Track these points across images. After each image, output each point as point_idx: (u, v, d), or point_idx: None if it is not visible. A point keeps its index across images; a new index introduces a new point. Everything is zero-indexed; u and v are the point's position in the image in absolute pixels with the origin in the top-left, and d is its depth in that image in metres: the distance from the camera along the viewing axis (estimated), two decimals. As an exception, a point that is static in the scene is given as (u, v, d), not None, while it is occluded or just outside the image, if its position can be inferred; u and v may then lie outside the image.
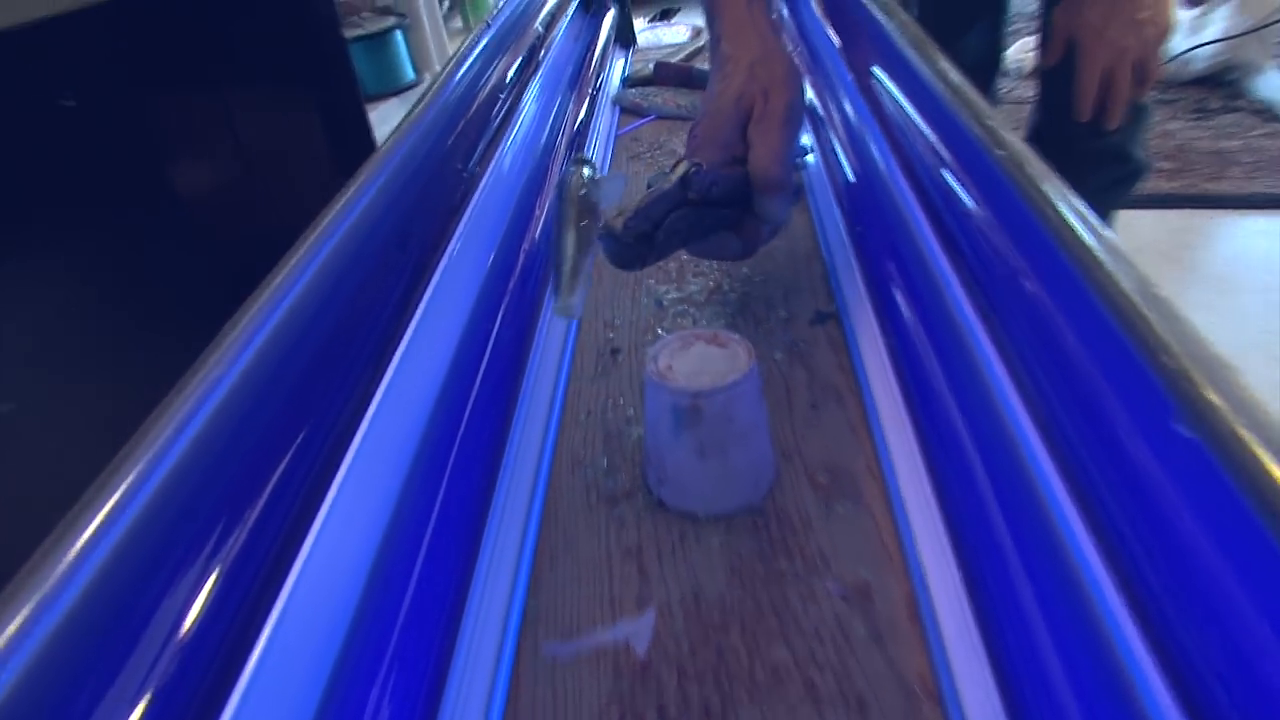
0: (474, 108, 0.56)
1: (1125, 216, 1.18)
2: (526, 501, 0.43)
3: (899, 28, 0.54)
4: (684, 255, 0.65)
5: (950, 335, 0.39)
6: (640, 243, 0.46)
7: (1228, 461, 0.21)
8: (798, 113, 0.51)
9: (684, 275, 0.63)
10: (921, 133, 0.47)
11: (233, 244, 0.78)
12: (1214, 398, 0.22)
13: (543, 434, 0.48)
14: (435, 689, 0.30)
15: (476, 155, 0.54)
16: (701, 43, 1.22)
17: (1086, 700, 0.25)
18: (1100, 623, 0.25)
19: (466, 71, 0.58)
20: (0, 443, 0.79)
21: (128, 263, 0.82)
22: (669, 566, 0.39)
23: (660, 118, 0.97)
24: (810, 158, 0.72)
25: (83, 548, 0.20)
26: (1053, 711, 0.26)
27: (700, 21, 1.14)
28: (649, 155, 0.87)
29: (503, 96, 0.62)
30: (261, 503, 0.24)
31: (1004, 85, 2.33)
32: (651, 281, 0.63)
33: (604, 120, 0.94)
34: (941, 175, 0.43)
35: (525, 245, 0.54)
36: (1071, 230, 0.30)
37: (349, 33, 2.76)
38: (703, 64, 1.06)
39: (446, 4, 3.42)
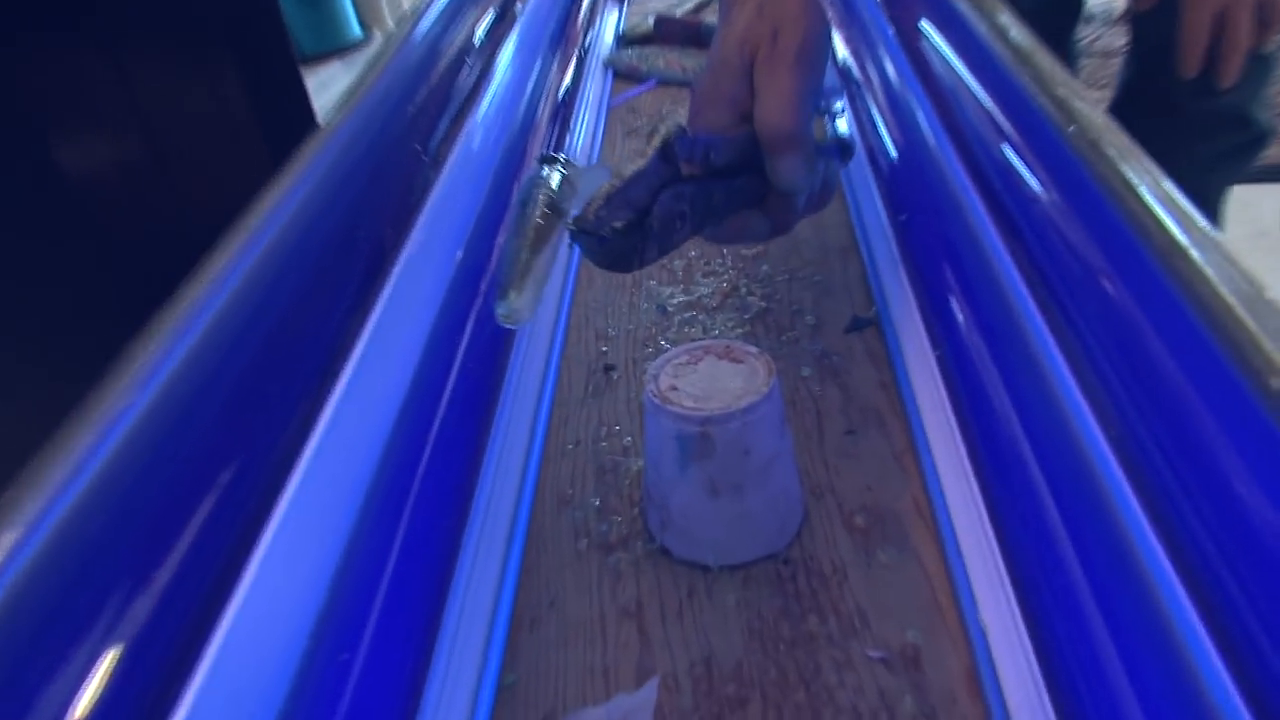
0: (437, 74, 0.56)
1: (1244, 194, 1.16)
2: (503, 550, 0.43)
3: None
4: (692, 251, 0.65)
5: (1014, 347, 0.39)
6: (626, 236, 0.43)
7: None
8: (815, 51, 0.49)
9: (692, 274, 0.63)
10: (978, 100, 0.47)
11: (136, 244, 0.76)
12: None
13: (522, 468, 0.48)
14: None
15: (440, 133, 0.54)
16: (712, -7, 1.23)
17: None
18: (1206, 695, 0.24)
19: (428, 30, 0.58)
20: None
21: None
22: (674, 629, 0.39)
23: (662, 84, 0.97)
24: (841, 110, 0.69)
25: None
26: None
27: (710, -32, 1.15)
28: (649, 130, 0.87)
29: (470, 60, 0.62)
30: (173, 565, 0.24)
31: (1086, 33, 2.33)
32: (653, 283, 0.63)
33: (594, 87, 0.95)
34: (1002, 152, 0.43)
35: (499, 241, 0.54)
36: (1158, 221, 0.30)
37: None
38: (713, 17, 1.06)
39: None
